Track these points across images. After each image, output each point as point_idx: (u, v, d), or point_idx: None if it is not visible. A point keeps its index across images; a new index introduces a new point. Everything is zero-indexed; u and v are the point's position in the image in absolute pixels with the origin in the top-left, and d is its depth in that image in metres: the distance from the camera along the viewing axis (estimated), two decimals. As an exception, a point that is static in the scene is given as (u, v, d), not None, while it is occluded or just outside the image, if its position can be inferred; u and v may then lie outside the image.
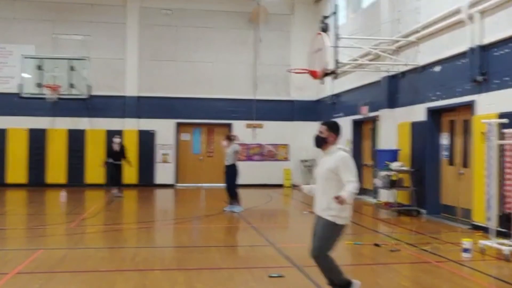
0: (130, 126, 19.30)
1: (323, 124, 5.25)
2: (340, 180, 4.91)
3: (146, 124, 19.49)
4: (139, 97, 19.50)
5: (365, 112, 15.35)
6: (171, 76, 19.74)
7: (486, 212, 7.93)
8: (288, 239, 9.30)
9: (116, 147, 15.51)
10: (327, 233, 4.99)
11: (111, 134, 17.44)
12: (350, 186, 4.80)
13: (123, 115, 19.34)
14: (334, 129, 5.17)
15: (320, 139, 5.17)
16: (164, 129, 19.65)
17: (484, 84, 9.74)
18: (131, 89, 19.48)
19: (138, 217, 12.57)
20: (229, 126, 20.20)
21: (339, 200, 4.68)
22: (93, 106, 18.96)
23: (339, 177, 4.92)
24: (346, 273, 5.22)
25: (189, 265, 6.93)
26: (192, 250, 8.01)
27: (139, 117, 19.47)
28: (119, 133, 17.88)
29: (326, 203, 4.97)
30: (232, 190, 12.51)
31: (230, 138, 12.88)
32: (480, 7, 9.76)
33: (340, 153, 5.05)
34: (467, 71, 10.11)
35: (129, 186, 17.86)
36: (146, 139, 19.35)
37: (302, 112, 20.39)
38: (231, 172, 12.53)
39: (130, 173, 17.88)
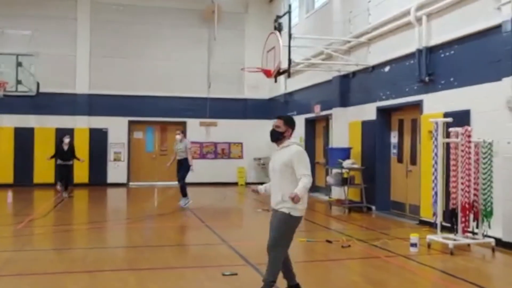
0: (81, 124, 18.83)
1: (279, 118, 5.27)
2: (293, 174, 4.96)
3: (98, 122, 19.06)
4: (90, 95, 19.04)
5: (317, 111, 15.58)
6: (124, 73, 19.37)
7: (432, 208, 8.21)
8: (242, 237, 9.31)
9: (65, 147, 15.08)
10: (283, 225, 5.03)
11: (61, 132, 16.95)
12: (303, 181, 4.86)
13: (73, 113, 18.82)
14: (290, 123, 5.22)
15: (277, 133, 5.19)
16: (116, 127, 19.27)
17: (431, 85, 10.08)
18: (82, 86, 19.00)
19: (89, 217, 12.29)
20: (182, 124, 20.04)
21: (293, 198, 4.74)
22: (42, 103, 18.32)
23: (293, 170, 4.97)
24: (296, 274, 5.32)
25: (141, 265, 6.83)
26: (144, 250, 7.90)
27: (90, 115, 19.02)
28: (69, 131, 17.39)
29: (281, 196, 5.01)
30: (182, 183, 12.80)
31: (184, 134, 13.06)
32: (427, 10, 10.08)
33: (294, 147, 5.11)
34: (415, 72, 10.43)
35: (80, 185, 17.43)
36: (98, 138, 18.92)
37: (256, 111, 20.49)
38: (185, 166, 12.84)
39: (81, 172, 17.45)
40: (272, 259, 5.08)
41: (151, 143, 20.27)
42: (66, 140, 15.14)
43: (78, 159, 15.45)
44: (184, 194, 12.85)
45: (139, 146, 20.07)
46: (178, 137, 13.10)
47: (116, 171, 19.29)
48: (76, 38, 18.97)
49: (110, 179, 19.18)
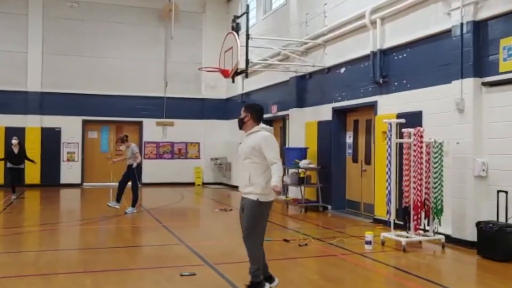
0: (33, 123, 18.27)
1: (242, 107, 5.37)
2: (261, 158, 5.00)
3: (51, 121, 18.54)
4: (42, 93, 18.50)
5: (274, 111, 15.69)
6: (78, 71, 18.92)
7: (386, 206, 8.44)
8: (199, 237, 9.27)
9: (15, 150, 14.55)
10: (253, 213, 5.03)
11: (11, 131, 16.42)
12: (275, 169, 4.91)
13: (25, 112, 18.24)
14: (251, 109, 5.28)
15: (239, 120, 5.30)
16: (70, 127, 18.82)
17: (384, 86, 10.35)
18: (33, 84, 18.44)
19: (41, 219, 11.91)
20: (139, 124, 19.79)
21: (276, 191, 4.82)
22: (-9, 101, 17.71)
23: (261, 154, 5.01)
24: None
25: (96, 267, 6.70)
26: (99, 252, 7.75)
27: (42, 113, 18.47)
28: (21, 130, 16.88)
29: (248, 180, 5.03)
30: (135, 191, 12.12)
31: (124, 140, 12.30)
32: (381, 13, 10.34)
33: (262, 132, 5.14)
34: (369, 74, 10.68)
35: (31, 186, 16.91)
36: (51, 137, 18.42)
37: (213, 111, 20.46)
38: (133, 173, 12.11)
39: (32, 173, 16.93)
40: (249, 247, 5.10)
41: (106, 143, 19.89)
42: (14, 141, 14.58)
43: (32, 161, 14.98)
44: (134, 203, 12.10)
45: (93, 146, 19.66)
46: (123, 147, 12.42)
47: (69, 172, 18.83)
48: (27, 34, 18.40)
49: (63, 179, 18.71)
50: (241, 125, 5.29)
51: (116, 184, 12.33)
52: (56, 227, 10.28)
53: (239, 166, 5.29)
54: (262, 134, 5.09)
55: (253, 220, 5.03)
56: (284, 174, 11.90)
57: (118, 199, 12.15)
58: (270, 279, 5.36)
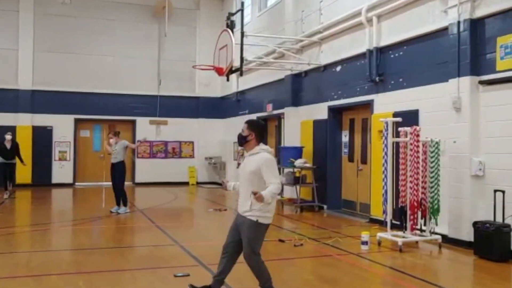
0: (24, 121, 18.09)
1: (246, 122, 5.19)
2: (262, 181, 4.87)
3: (42, 119, 18.36)
4: (33, 91, 18.31)
5: (269, 110, 15.61)
6: (69, 69, 18.74)
7: (382, 206, 8.37)
8: (193, 238, 9.19)
9: (8, 145, 14.43)
10: (253, 234, 4.93)
11: (2, 130, 16.19)
12: (272, 187, 4.78)
13: (16, 110, 18.05)
14: (255, 127, 5.08)
15: (241, 137, 5.11)
16: (61, 125, 18.65)
17: (381, 85, 10.29)
18: (25, 82, 18.24)
19: (33, 219, 11.77)
20: (132, 122, 19.65)
21: (257, 196, 4.62)
22: (-19, 99, 17.52)
23: (261, 178, 4.87)
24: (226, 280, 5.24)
25: (89, 268, 6.61)
26: (93, 252, 7.64)
27: (33, 112, 18.28)
28: (11, 129, 16.68)
29: (249, 206, 4.90)
30: (121, 189, 11.86)
31: (116, 134, 12.10)
32: (377, 11, 10.28)
33: (262, 154, 4.98)
34: (365, 72, 10.61)
35: (22, 186, 16.73)
36: (42, 136, 18.23)
37: (207, 109, 20.34)
38: (120, 170, 11.83)
39: (24, 172, 16.69)
40: (254, 268, 5.00)
41: (98, 142, 19.73)
42: (8, 137, 14.52)
43: (21, 161, 14.83)
44: (125, 202, 11.87)
45: (85, 145, 19.50)
46: (112, 140, 12.02)
47: (61, 171, 18.67)
48: (18, 31, 18.20)
49: (55, 179, 18.54)
50: (243, 143, 5.13)
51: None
52: (48, 227, 10.15)
53: (240, 185, 5.12)
54: (263, 156, 4.96)
55: (252, 241, 4.95)
56: (278, 193, 11.75)
57: (125, 203, 11.92)
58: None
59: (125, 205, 11.92)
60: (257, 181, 4.88)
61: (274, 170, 4.94)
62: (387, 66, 10.15)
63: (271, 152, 5.14)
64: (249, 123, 5.16)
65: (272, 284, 5.05)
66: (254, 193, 4.65)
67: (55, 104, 18.48)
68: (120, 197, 11.87)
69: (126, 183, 12.32)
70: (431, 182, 8.08)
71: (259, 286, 5.05)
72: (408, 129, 8.16)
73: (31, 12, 18.36)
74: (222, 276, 5.17)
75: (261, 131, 5.14)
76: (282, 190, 13.69)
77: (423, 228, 8.23)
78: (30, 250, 7.99)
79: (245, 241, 4.97)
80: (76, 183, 18.92)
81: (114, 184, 11.92)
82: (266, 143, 5.36)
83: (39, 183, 17.89)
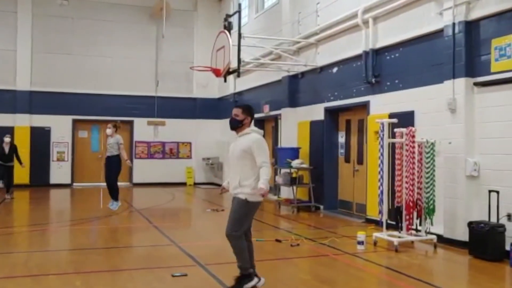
0: (22, 122, 18.09)
1: (237, 107, 5.37)
2: (252, 160, 5.03)
3: (40, 120, 18.37)
4: (32, 92, 18.32)
5: (266, 111, 15.66)
6: (67, 70, 18.76)
7: (378, 206, 8.43)
8: (191, 238, 9.22)
9: (6, 148, 14.42)
10: (240, 211, 5.10)
11: (0, 131, 16.18)
12: (264, 172, 4.95)
13: (14, 111, 18.06)
14: (249, 112, 5.34)
15: (236, 121, 5.27)
16: (59, 126, 18.66)
17: (377, 86, 10.34)
18: (22, 83, 18.25)
19: (31, 219, 11.79)
20: (130, 123, 19.65)
21: (261, 193, 4.83)
22: (-21, 100, 17.52)
23: (252, 157, 5.04)
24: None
25: (87, 268, 6.63)
26: (90, 252, 7.67)
27: (32, 113, 18.29)
28: (9, 129, 16.69)
29: (238, 181, 5.08)
30: (114, 184, 11.87)
31: (116, 126, 12.10)
32: (373, 13, 10.34)
33: (253, 134, 5.19)
34: (362, 73, 10.67)
35: (20, 186, 16.74)
36: (40, 136, 18.25)
37: (205, 110, 20.38)
38: (114, 164, 11.84)
39: (21, 173, 16.72)
40: (233, 244, 5.16)
41: (96, 142, 19.74)
42: (7, 139, 14.50)
43: (20, 163, 14.84)
44: (116, 197, 11.89)
45: (83, 146, 19.50)
46: (109, 131, 11.97)
47: (59, 172, 18.67)
48: (16, 32, 18.21)
49: (53, 179, 18.55)
50: (237, 126, 5.27)
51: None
52: (46, 227, 10.18)
53: (230, 167, 5.29)
54: (254, 137, 5.15)
55: (238, 218, 5.11)
56: (273, 176, 11.86)
57: (116, 197, 11.95)
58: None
59: (116, 199, 11.89)
60: (247, 159, 5.01)
61: (264, 150, 5.11)
62: (383, 68, 10.22)
63: (261, 133, 5.32)
64: (244, 107, 5.36)
65: (249, 267, 5.17)
66: (260, 194, 4.86)
67: (53, 104, 18.50)
68: (112, 191, 11.90)
69: (123, 183, 12.38)
70: (427, 183, 8.14)
71: (237, 267, 5.17)
72: (403, 130, 8.22)
73: (29, 13, 18.38)
74: (251, 261, 5.32)
75: (253, 115, 5.43)
76: (279, 190, 13.75)
77: (419, 228, 8.29)
78: (28, 250, 8.01)
79: (231, 216, 5.14)
80: (74, 184, 18.93)
81: (107, 178, 11.94)
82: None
83: (37, 183, 17.90)
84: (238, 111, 5.30)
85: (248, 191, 5.04)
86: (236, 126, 5.30)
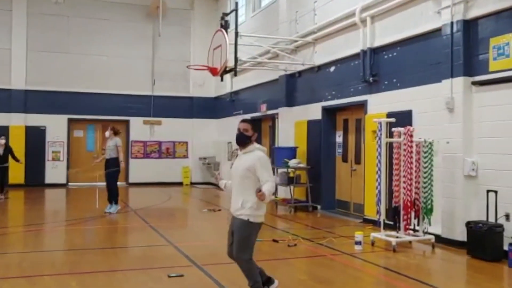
0: (17, 121, 17.99)
1: (245, 121, 5.20)
2: (256, 180, 4.90)
3: (35, 119, 18.27)
4: (26, 91, 18.22)
5: (263, 110, 15.61)
6: (63, 69, 18.66)
7: (376, 206, 8.39)
8: (187, 238, 9.17)
9: (0, 149, 14.31)
10: (244, 233, 4.94)
11: (-6, 130, 16.12)
12: (268, 184, 4.82)
13: (8, 110, 17.95)
14: (255, 127, 5.22)
15: (245, 137, 5.10)
16: (55, 125, 18.56)
17: (374, 85, 10.31)
18: (17, 82, 18.15)
19: (26, 219, 11.72)
20: (126, 122, 19.58)
21: (260, 194, 4.66)
22: (-27, 99, 17.40)
23: (255, 176, 4.91)
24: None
25: (82, 268, 6.58)
26: (86, 253, 7.62)
27: (26, 112, 18.18)
28: (4, 129, 16.60)
29: (241, 203, 4.93)
30: (113, 187, 11.79)
31: (115, 131, 12.02)
32: (371, 12, 10.31)
33: (257, 152, 5.03)
34: (359, 72, 10.63)
35: (15, 186, 16.62)
36: (35, 136, 18.15)
37: (202, 109, 20.32)
38: (112, 167, 11.73)
39: (16, 173, 16.62)
40: (244, 267, 5.01)
41: (92, 142, 19.65)
42: (2, 141, 14.36)
43: (17, 160, 14.75)
44: (115, 200, 11.80)
45: (79, 145, 19.41)
46: (108, 133, 11.96)
47: (54, 171, 18.57)
48: (11, 30, 18.11)
49: (48, 179, 18.46)
50: (246, 142, 5.13)
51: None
52: (41, 227, 10.11)
53: (232, 185, 5.14)
54: (258, 155, 5.01)
55: (244, 240, 4.96)
56: (274, 191, 11.74)
57: (116, 200, 11.85)
58: (268, 281, 5.27)
59: (115, 202, 11.81)
60: (251, 178, 4.91)
61: (268, 168, 4.99)
62: (380, 67, 10.18)
63: (265, 151, 5.20)
64: (251, 123, 5.20)
65: (260, 285, 5.04)
66: (258, 190, 4.69)
67: (48, 104, 18.40)
68: (112, 194, 11.80)
69: (120, 183, 12.28)
70: (425, 182, 8.11)
71: (248, 286, 5.05)
72: (401, 129, 8.19)
73: (24, 12, 18.27)
74: (262, 277, 5.17)
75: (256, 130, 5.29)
76: (276, 190, 13.70)
77: (417, 228, 8.25)
78: (23, 251, 7.94)
79: (236, 239, 4.98)
80: (70, 184, 18.84)
81: (113, 181, 11.87)
82: (260, 143, 5.39)
83: (32, 183, 17.80)
84: (248, 126, 5.12)
85: (250, 212, 4.90)
86: (245, 141, 5.12)
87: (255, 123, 5.39)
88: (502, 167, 7.31)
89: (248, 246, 4.98)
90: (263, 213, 5.04)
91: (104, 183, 12.02)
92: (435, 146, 8.21)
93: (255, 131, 5.17)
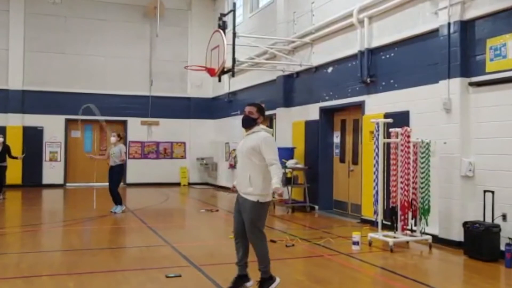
0: (14, 122, 17.97)
1: (251, 105, 5.34)
2: (261, 159, 5.02)
3: (33, 120, 18.25)
4: (24, 91, 18.20)
5: (261, 111, 15.58)
6: (60, 69, 18.65)
7: (373, 206, 8.41)
8: (185, 238, 9.17)
9: None
10: (255, 214, 5.11)
11: (-9, 130, 16.09)
12: (275, 172, 4.94)
13: (5, 110, 17.94)
14: (262, 111, 5.34)
15: (250, 119, 5.26)
16: (52, 126, 18.55)
17: (372, 86, 10.33)
18: (15, 82, 18.14)
19: (23, 220, 11.70)
20: (123, 123, 19.56)
21: (277, 193, 4.88)
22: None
23: (260, 155, 5.03)
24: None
25: (80, 269, 6.57)
26: (84, 253, 7.61)
27: (24, 112, 18.16)
28: (1, 129, 16.59)
29: (248, 181, 5.07)
30: (114, 191, 11.93)
31: (120, 136, 12.19)
32: (368, 12, 10.33)
33: (262, 133, 5.18)
34: (357, 73, 10.65)
35: (13, 186, 16.59)
36: (33, 136, 18.12)
37: (199, 110, 20.32)
38: (115, 174, 11.92)
39: (14, 173, 16.58)
40: (256, 246, 5.16)
41: (89, 142, 19.63)
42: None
43: (16, 158, 14.73)
44: (119, 201, 11.98)
45: (76, 146, 19.40)
46: (113, 139, 12.01)
47: (52, 172, 18.56)
48: (8, 30, 18.10)
49: (46, 179, 18.44)
50: (251, 125, 5.24)
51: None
52: (38, 228, 10.10)
53: (238, 165, 5.27)
54: (263, 135, 5.14)
55: (255, 220, 5.12)
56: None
57: (120, 202, 11.99)
58: (245, 278, 5.36)
59: (120, 203, 11.96)
60: (256, 157, 4.99)
61: (273, 148, 5.12)
62: (378, 67, 10.20)
63: (271, 132, 5.33)
64: (258, 106, 5.34)
65: (269, 270, 5.20)
66: (276, 194, 4.94)
67: (45, 104, 18.38)
68: (114, 197, 11.93)
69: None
70: (422, 183, 8.12)
71: (258, 269, 5.15)
72: (399, 130, 8.20)
73: (21, 12, 18.25)
74: (245, 259, 5.32)
75: (265, 114, 5.45)
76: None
77: (414, 228, 8.27)
78: (21, 251, 7.92)
79: (247, 221, 5.12)
80: (67, 184, 18.81)
81: (116, 184, 12.02)
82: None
83: (29, 183, 17.78)
84: (253, 109, 5.26)
85: (259, 192, 5.04)
86: (250, 124, 5.26)
87: (263, 109, 5.42)
88: (499, 167, 7.33)
89: (259, 225, 5.15)
90: (270, 192, 5.17)
91: (106, 184, 12.16)
92: (432, 147, 8.23)
93: (262, 114, 5.29)
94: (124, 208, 12.12)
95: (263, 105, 5.47)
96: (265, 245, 5.19)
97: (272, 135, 5.34)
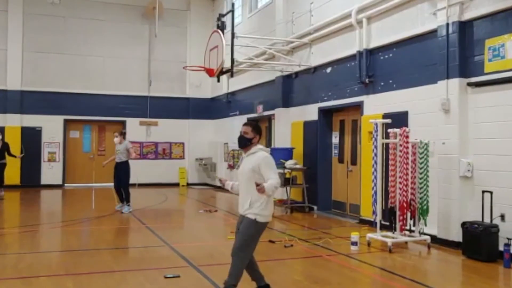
0: (13, 122, 17.93)
1: (247, 125, 5.30)
2: (261, 179, 4.96)
3: (31, 120, 18.23)
4: (22, 91, 18.17)
5: (260, 111, 15.62)
6: (59, 69, 18.62)
7: (372, 207, 8.41)
8: (184, 239, 9.17)
9: None
10: (249, 231, 5.02)
11: (-10, 130, 16.06)
12: (272, 180, 4.90)
13: (4, 110, 17.92)
14: (258, 130, 5.27)
15: (245, 139, 5.20)
16: (51, 126, 18.52)
17: (371, 86, 10.33)
18: (13, 82, 18.10)
19: (21, 220, 11.68)
20: (122, 123, 19.54)
21: (259, 187, 4.74)
22: (-31, 100, 17.35)
23: (261, 177, 4.98)
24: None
25: (79, 269, 6.56)
26: (82, 254, 7.61)
27: (22, 112, 18.13)
28: (0, 130, 16.52)
29: (249, 204, 5.00)
30: (126, 188, 12.14)
31: (123, 134, 12.34)
32: (367, 13, 10.33)
33: (261, 153, 5.13)
34: (355, 73, 10.66)
35: (11, 187, 16.57)
36: (31, 137, 18.09)
37: (198, 110, 20.31)
38: (123, 171, 12.12)
39: (12, 173, 16.57)
40: (235, 263, 5.05)
41: (88, 143, 19.62)
42: None
43: (15, 156, 14.72)
44: (128, 200, 12.12)
45: (75, 146, 19.37)
46: (116, 139, 12.23)
47: (50, 172, 18.53)
48: (7, 31, 18.05)
49: (44, 180, 18.41)
50: (246, 145, 5.21)
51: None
52: (37, 228, 10.08)
53: (240, 188, 5.22)
54: (262, 155, 5.10)
55: (247, 238, 5.03)
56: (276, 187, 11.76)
57: (128, 200, 12.10)
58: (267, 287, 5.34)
59: (128, 202, 12.05)
60: (257, 179, 4.97)
61: (273, 167, 5.07)
62: (377, 68, 10.21)
63: (268, 151, 5.27)
64: (253, 126, 5.28)
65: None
66: (257, 184, 4.76)
67: (44, 104, 18.36)
68: (124, 195, 12.09)
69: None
70: (420, 183, 8.13)
71: (223, 283, 5.06)
72: (397, 130, 8.21)
73: (20, 12, 18.22)
74: (257, 273, 5.29)
75: (261, 133, 5.37)
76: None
77: (412, 228, 8.28)
78: (19, 252, 7.92)
79: (239, 236, 5.06)
80: (66, 184, 18.80)
81: (117, 183, 12.18)
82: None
83: (28, 184, 17.75)
84: (248, 129, 5.21)
85: (257, 211, 4.99)
86: (245, 144, 5.21)
87: (259, 127, 5.33)
88: (497, 167, 7.34)
89: (249, 245, 5.05)
90: (270, 213, 5.12)
91: (108, 184, 12.26)
92: (430, 147, 8.23)
93: (258, 134, 5.24)
94: (131, 210, 12.12)
95: (258, 124, 5.38)
96: (242, 269, 5.07)
97: (269, 152, 5.28)
